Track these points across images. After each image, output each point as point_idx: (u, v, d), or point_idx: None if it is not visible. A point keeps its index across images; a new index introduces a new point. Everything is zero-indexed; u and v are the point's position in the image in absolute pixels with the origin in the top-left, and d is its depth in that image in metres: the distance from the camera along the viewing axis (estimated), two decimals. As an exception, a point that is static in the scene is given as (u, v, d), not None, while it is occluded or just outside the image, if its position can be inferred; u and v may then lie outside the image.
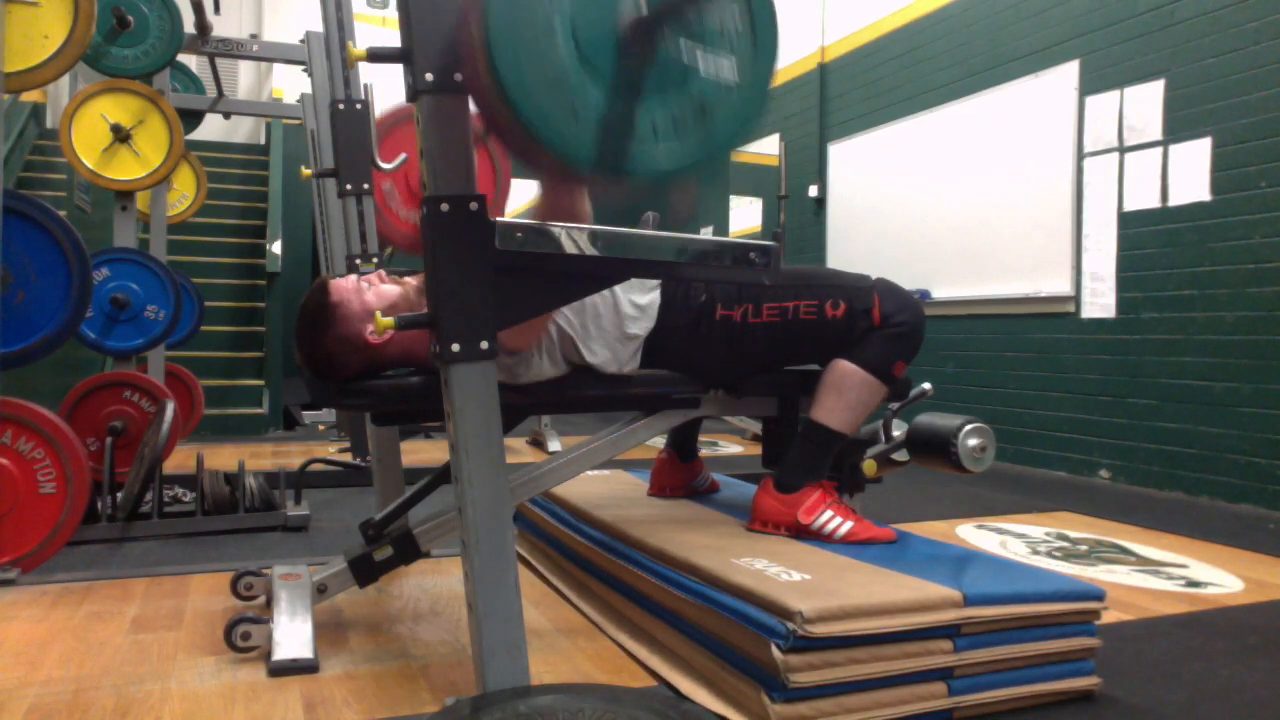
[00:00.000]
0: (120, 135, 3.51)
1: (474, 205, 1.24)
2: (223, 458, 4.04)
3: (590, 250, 1.27)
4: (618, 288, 1.68)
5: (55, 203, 3.10)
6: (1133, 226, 3.79)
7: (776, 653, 1.27)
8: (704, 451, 2.23)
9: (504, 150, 2.90)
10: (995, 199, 4.48)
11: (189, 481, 2.94)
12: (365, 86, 2.65)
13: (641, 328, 1.70)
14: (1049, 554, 2.57)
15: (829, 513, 1.70)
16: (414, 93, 1.24)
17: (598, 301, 1.68)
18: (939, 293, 4.81)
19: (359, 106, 2.60)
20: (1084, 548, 2.67)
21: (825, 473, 1.73)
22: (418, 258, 3.58)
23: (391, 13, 7.75)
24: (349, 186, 2.65)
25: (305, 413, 6.00)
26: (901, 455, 1.86)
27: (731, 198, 7.00)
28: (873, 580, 1.43)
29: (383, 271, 1.72)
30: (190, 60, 5.02)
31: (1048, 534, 2.85)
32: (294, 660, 1.57)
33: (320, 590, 1.72)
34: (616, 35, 1.15)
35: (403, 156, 2.95)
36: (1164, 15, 3.68)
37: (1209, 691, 1.56)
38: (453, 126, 1.24)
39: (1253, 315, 3.34)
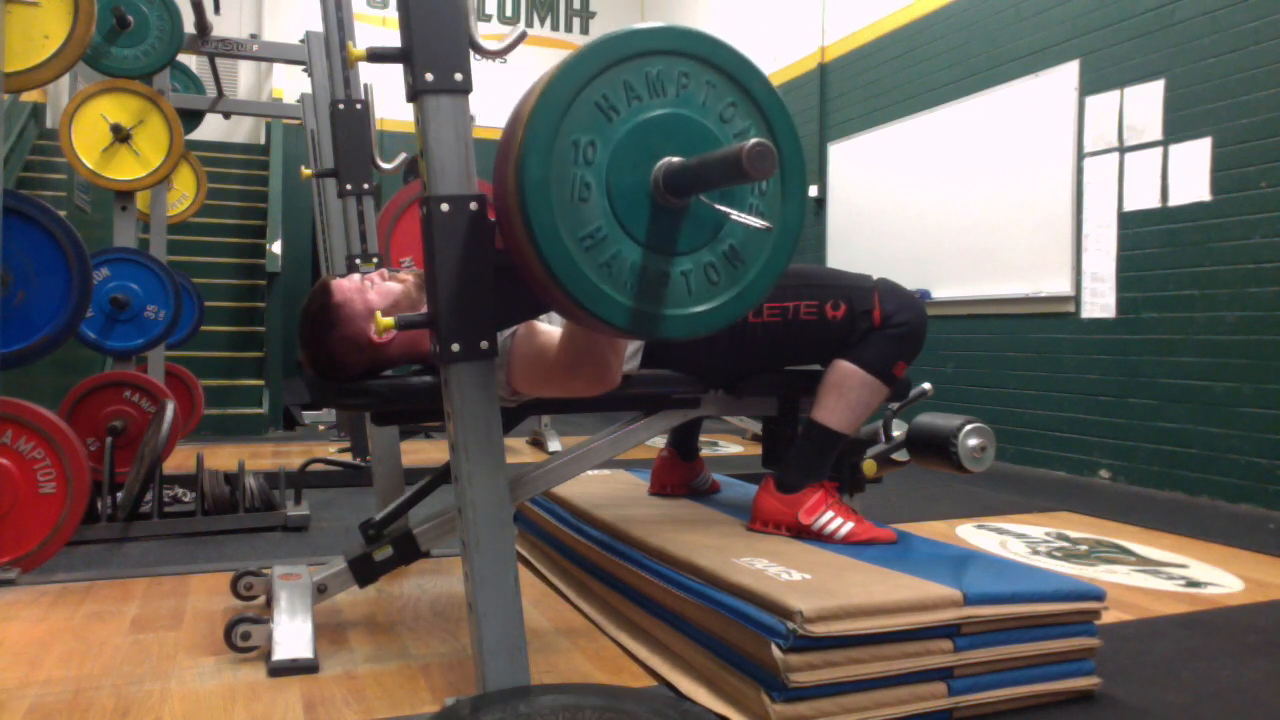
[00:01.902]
0: (120, 135, 3.51)
1: (474, 205, 1.24)
2: (223, 458, 4.04)
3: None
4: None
5: (55, 203, 3.10)
6: (1133, 226, 3.79)
7: (777, 652, 1.27)
8: (704, 451, 2.23)
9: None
10: (995, 199, 4.48)
11: (189, 481, 2.94)
12: (365, 86, 2.65)
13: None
14: (1049, 554, 2.57)
15: (829, 513, 1.70)
16: (414, 93, 1.24)
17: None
18: (939, 293, 4.80)
19: (359, 106, 2.60)
20: (1084, 548, 2.67)
21: (826, 473, 1.73)
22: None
23: (391, 13, 7.75)
24: (349, 186, 2.65)
25: (305, 413, 6.00)
26: (901, 455, 1.86)
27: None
28: (873, 580, 1.43)
29: (384, 270, 1.72)
30: (190, 60, 5.02)
31: (1048, 534, 2.85)
32: (294, 660, 1.57)
33: (320, 590, 1.72)
34: (650, 193, 1.16)
35: (403, 156, 2.95)
36: (1164, 15, 3.68)
37: (1209, 691, 1.56)
38: (453, 126, 1.24)
39: (1253, 315, 3.34)
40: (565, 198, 1.12)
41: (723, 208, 1.17)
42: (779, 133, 1.23)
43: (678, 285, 1.18)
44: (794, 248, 1.26)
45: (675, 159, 1.15)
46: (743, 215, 1.18)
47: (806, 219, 5.97)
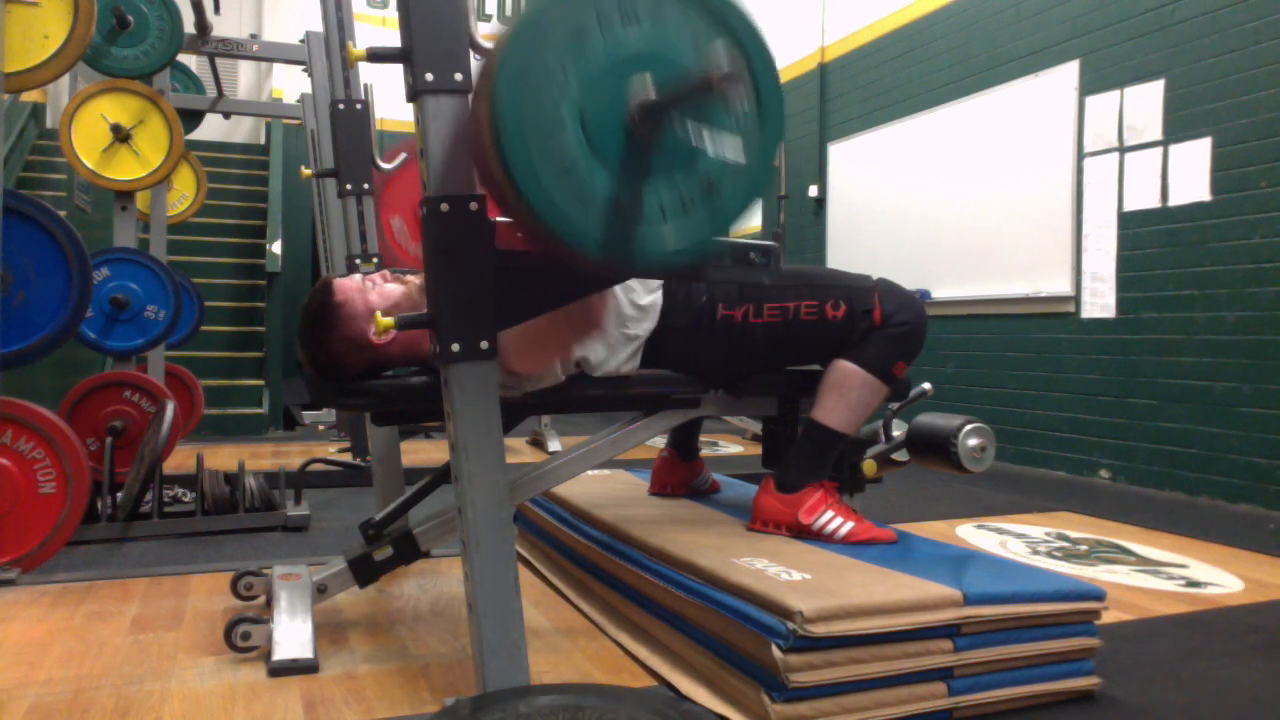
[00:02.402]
0: (120, 135, 3.51)
1: (474, 205, 1.24)
2: (223, 458, 4.03)
3: (590, 250, 1.27)
4: (618, 288, 1.68)
5: (55, 203, 3.10)
6: (1133, 226, 3.79)
7: (777, 652, 1.27)
8: (704, 451, 2.23)
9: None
10: (995, 199, 4.48)
11: (189, 481, 2.93)
12: (365, 86, 2.65)
13: (643, 329, 1.70)
14: (1049, 554, 2.57)
15: (830, 513, 1.70)
16: (414, 93, 1.24)
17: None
18: (939, 293, 4.80)
19: (359, 106, 2.60)
20: (1084, 548, 2.67)
21: (826, 473, 1.73)
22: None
23: (391, 13, 7.74)
24: (349, 186, 2.65)
25: (305, 413, 6.00)
26: (901, 455, 1.86)
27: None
28: (873, 580, 1.43)
29: (386, 271, 1.72)
30: (190, 60, 5.02)
31: (1048, 534, 2.85)
32: (294, 660, 1.57)
33: (320, 590, 1.72)
34: (624, 121, 1.15)
35: (403, 156, 2.95)
36: (1164, 15, 3.68)
37: (1209, 691, 1.56)
38: (453, 126, 1.24)
39: (1253, 315, 3.34)
40: (539, 126, 1.10)
41: (696, 135, 1.17)
42: (754, 58, 1.22)
43: (652, 214, 1.17)
44: (769, 178, 1.25)
45: (650, 88, 1.14)
46: (716, 141, 1.17)
47: (806, 218, 5.98)
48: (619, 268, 1.21)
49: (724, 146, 1.19)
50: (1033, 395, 4.28)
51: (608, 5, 1.14)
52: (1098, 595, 1.50)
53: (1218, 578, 2.34)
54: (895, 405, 1.88)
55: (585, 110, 1.13)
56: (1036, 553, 2.58)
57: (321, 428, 5.69)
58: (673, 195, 1.18)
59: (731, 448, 4.98)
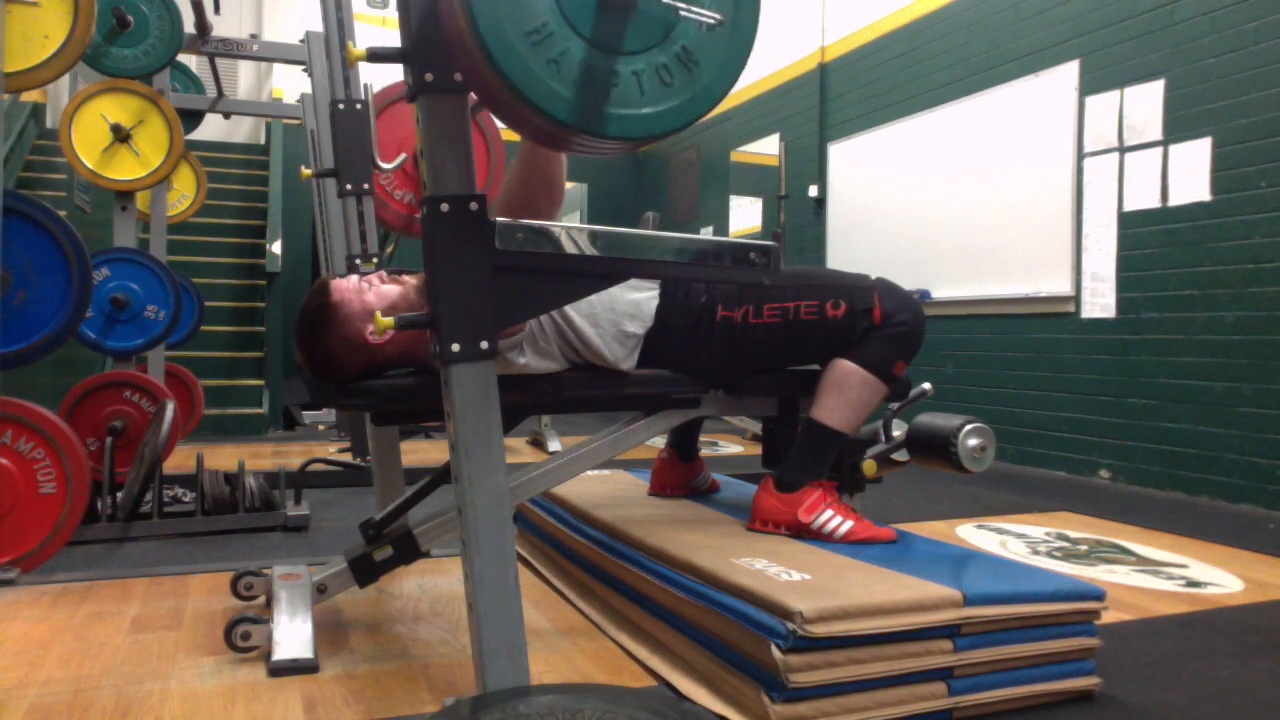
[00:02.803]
0: (120, 135, 3.51)
1: (474, 205, 1.24)
2: (223, 458, 4.04)
3: (590, 250, 1.27)
4: (617, 287, 1.68)
5: (55, 203, 3.10)
6: (1133, 226, 3.79)
7: (776, 653, 1.27)
8: (704, 451, 2.23)
9: (493, 123, 2.88)
10: (995, 199, 4.48)
11: (189, 481, 2.94)
12: (365, 86, 2.65)
13: (639, 327, 1.70)
14: (1049, 554, 2.57)
15: (829, 512, 1.70)
16: (414, 93, 1.24)
17: (594, 300, 1.68)
18: (939, 293, 4.80)
19: (359, 106, 2.60)
20: (1084, 548, 2.67)
21: (826, 472, 1.73)
22: (412, 238, 3.57)
23: (391, 13, 7.75)
24: (349, 186, 2.65)
25: (305, 413, 6.00)
26: (901, 455, 1.86)
27: (731, 198, 7.00)
28: (873, 580, 1.43)
29: (383, 271, 1.72)
30: (190, 60, 5.02)
31: (1048, 534, 2.85)
32: (294, 660, 1.57)
33: (320, 590, 1.72)
34: None
35: (403, 156, 2.95)
36: (1164, 15, 3.68)
37: (1209, 691, 1.56)
38: (453, 126, 1.24)
39: (1253, 315, 3.34)
40: None
41: (670, 1, 1.15)
42: None
43: (629, 84, 1.15)
44: (750, 47, 1.22)
45: None
46: (691, 8, 1.16)
47: (806, 218, 5.98)
48: (593, 135, 1.17)
49: (698, 8, 1.16)
50: (1033, 395, 4.28)
51: None
52: (1098, 595, 1.50)
53: (1218, 578, 2.34)
54: (895, 405, 1.88)
55: None
56: (1036, 553, 2.58)
57: (321, 428, 5.69)
58: (650, 65, 1.16)
59: (731, 448, 4.98)
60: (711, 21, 1.17)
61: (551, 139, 1.22)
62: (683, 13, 1.16)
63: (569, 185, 8.53)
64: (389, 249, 5.18)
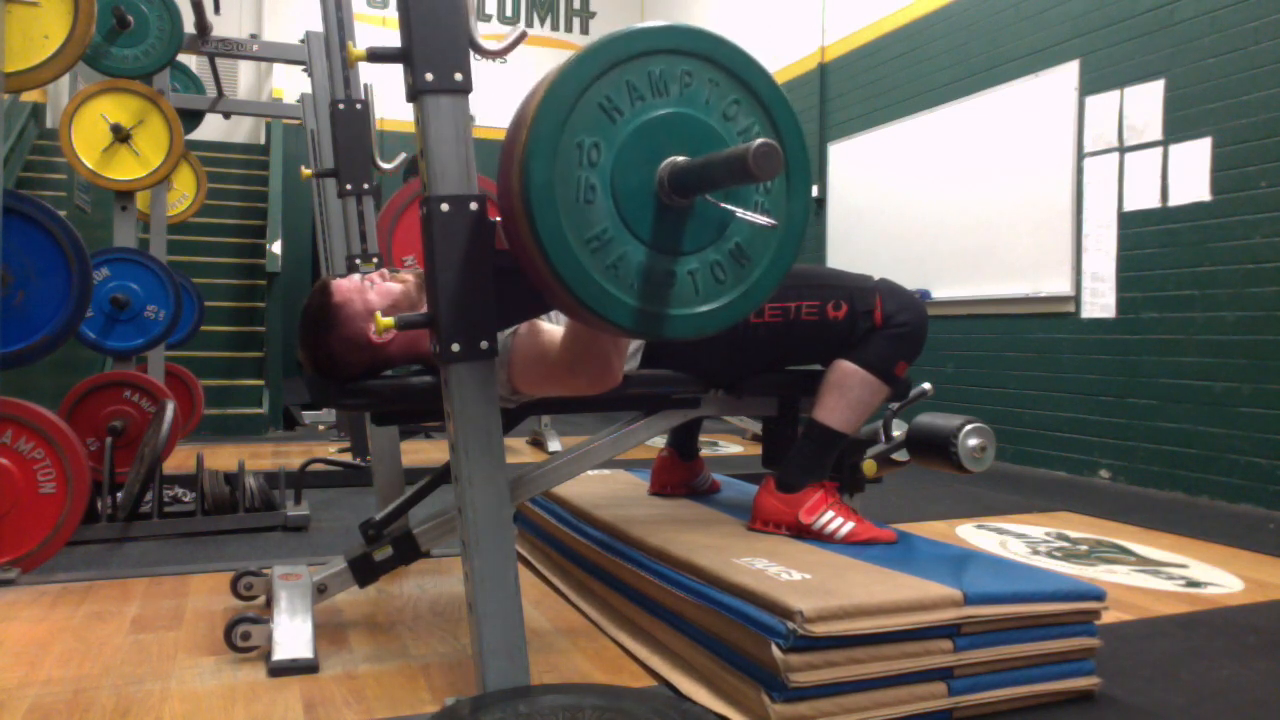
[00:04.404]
0: (120, 135, 3.51)
1: (474, 205, 1.24)
2: (223, 458, 4.04)
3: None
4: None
5: (55, 203, 3.10)
6: (1133, 226, 3.79)
7: (777, 652, 1.27)
8: (704, 451, 2.23)
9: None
10: (995, 199, 4.48)
11: (189, 481, 2.94)
12: (365, 86, 2.65)
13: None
14: (1049, 554, 2.57)
15: (830, 513, 1.70)
16: (414, 93, 1.24)
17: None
18: (939, 293, 4.80)
19: (359, 106, 2.60)
20: (1084, 548, 2.67)
21: (826, 473, 1.73)
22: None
23: (391, 13, 7.75)
24: (349, 186, 2.65)
25: (305, 413, 6.00)
26: (901, 455, 1.86)
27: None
28: (873, 580, 1.43)
29: (385, 270, 1.72)
30: (190, 60, 5.02)
31: (1048, 534, 2.85)
32: (294, 660, 1.57)
33: (320, 590, 1.72)
34: (654, 192, 1.15)
35: (403, 156, 2.95)
36: (1164, 15, 3.68)
37: (1209, 691, 1.56)
38: (453, 126, 1.24)
39: (1253, 315, 3.34)
40: (570, 200, 1.11)
41: (729, 206, 1.17)
42: (784, 130, 1.23)
43: (684, 284, 1.17)
44: (799, 244, 1.25)
45: (680, 159, 1.15)
46: (749, 213, 1.17)
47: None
48: (651, 338, 1.21)
49: (754, 213, 1.19)
50: (1033, 395, 4.28)
51: (638, 78, 1.15)
52: (1098, 595, 1.50)
53: (1218, 578, 2.34)
54: (895, 405, 1.88)
55: (615, 182, 1.13)
56: (1036, 553, 2.58)
57: (321, 428, 5.69)
58: (704, 265, 1.19)
59: (731, 448, 4.98)
60: (767, 225, 1.19)
61: (610, 332, 1.24)
62: (740, 216, 1.17)
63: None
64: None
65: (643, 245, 1.15)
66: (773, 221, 1.19)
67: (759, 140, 1.01)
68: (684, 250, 1.17)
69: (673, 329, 1.17)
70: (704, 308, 1.19)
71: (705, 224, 1.18)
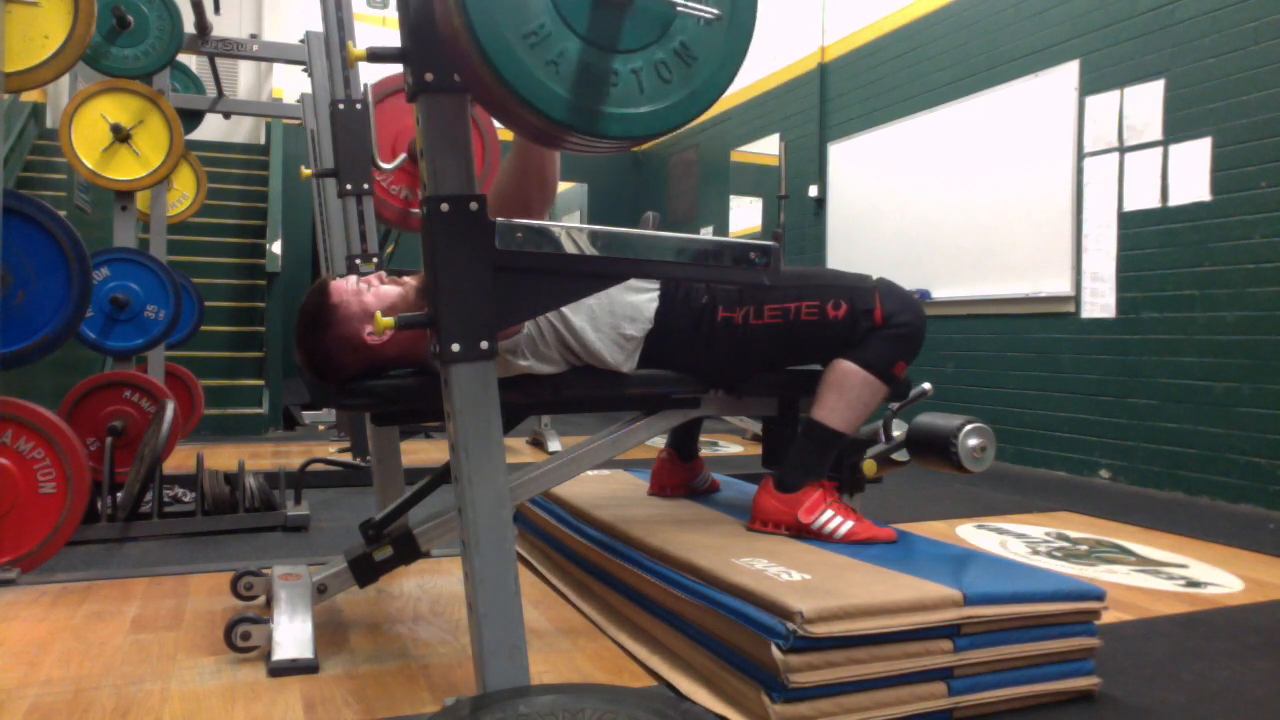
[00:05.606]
0: (120, 135, 3.51)
1: (474, 205, 1.24)
2: (223, 458, 4.04)
3: (590, 250, 1.27)
4: (616, 288, 1.68)
5: (55, 203, 3.10)
6: (1133, 226, 3.79)
7: (776, 653, 1.27)
8: (704, 451, 2.23)
9: (488, 117, 2.89)
10: (995, 199, 4.48)
11: (189, 481, 2.94)
12: (365, 86, 2.65)
13: (639, 329, 1.69)
14: (1049, 554, 2.57)
15: (829, 512, 1.70)
16: (414, 93, 1.24)
17: (594, 303, 1.68)
18: (939, 293, 4.80)
19: (359, 106, 2.60)
20: (1084, 548, 2.67)
21: (826, 472, 1.73)
22: (408, 232, 3.56)
23: (391, 13, 7.74)
24: (349, 186, 2.65)
25: (305, 413, 5.99)
26: (901, 455, 1.86)
27: (731, 198, 7.00)
28: (873, 580, 1.43)
29: (383, 272, 1.72)
30: (190, 60, 5.02)
31: (1048, 534, 2.85)
32: (294, 660, 1.57)
33: (320, 590, 1.72)
34: None
35: (403, 156, 2.95)
36: (1164, 15, 3.68)
37: (1209, 691, 1.56)
38: (453, 126, 1.24)
39: (1253, 315, 3.34)
40: None
41: None
42: None
43: (628, 83, 1.14)
44: (748, 41, 1.22)
45: None
46: (689, 4, 1.15)
47: (806, 218, 5.98)
48: (593, 135, 1.16)
49: (696, 3, 1.15)
50: (1033, 395, 4.28)
51: None
52: (1098, 595, 1.50)
53: (1218, 578, 2.34)
54: (895, 405, 1.88)
55: None
56: (1036, 553, 2.58)
57: (321, 428, 5.69)
58: (648, 63, 1.15)
59: (731, 448, 4.98)
60: (710, 16, 1.16)
61: (549, 138, 1.21)
62: (680, 8, 1.15)
63: (569, 185, 8.54)
64: (389, 249, 5.18)
65: (582, 40, 1.12)
66: (715, 12, 1.17)
67: None
68: (626, 47, 1.14)
69: (616, 127, 1.14)
70: (649, 107, 1.15)
71: (647, 19, 1.15)
